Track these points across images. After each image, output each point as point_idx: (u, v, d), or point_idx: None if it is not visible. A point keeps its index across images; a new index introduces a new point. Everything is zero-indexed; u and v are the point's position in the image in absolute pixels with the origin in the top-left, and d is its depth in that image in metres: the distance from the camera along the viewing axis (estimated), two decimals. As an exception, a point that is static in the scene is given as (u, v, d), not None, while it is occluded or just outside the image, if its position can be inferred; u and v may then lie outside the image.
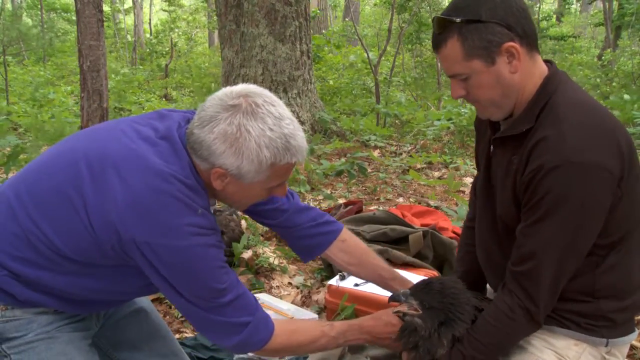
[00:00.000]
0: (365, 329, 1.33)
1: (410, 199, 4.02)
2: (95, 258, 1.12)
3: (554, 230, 1.09)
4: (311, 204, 3.66)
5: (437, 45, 1.17)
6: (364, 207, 3.36)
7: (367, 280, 1.57)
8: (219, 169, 1.09)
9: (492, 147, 1.28)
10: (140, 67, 12.54)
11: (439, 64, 9.21)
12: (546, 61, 1.23)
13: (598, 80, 8.70)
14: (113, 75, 10.09)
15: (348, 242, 1.47)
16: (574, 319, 1.19)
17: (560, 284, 1.15)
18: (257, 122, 1.06)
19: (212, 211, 1.16)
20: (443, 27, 1.14)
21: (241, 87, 1.12)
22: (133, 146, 1.10)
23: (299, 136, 1.11)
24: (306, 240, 1.45)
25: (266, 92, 1.13)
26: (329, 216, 1.48)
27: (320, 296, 2.39)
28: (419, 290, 1.26)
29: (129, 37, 16.48)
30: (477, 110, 1.27)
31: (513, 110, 1.20)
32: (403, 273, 1.71)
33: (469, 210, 1.55)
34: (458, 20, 1.12)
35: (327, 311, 2.19)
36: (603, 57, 10.62)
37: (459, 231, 2.87)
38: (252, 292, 2.41)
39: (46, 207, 1.11)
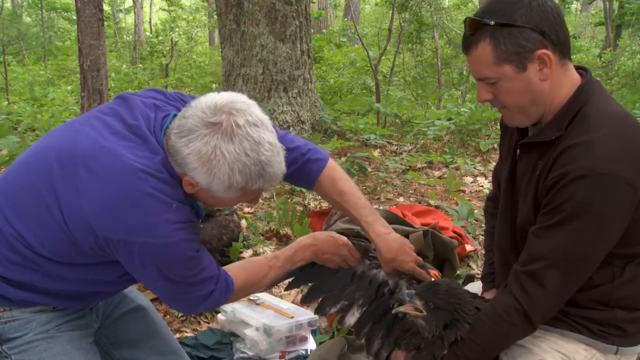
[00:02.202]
0: (308, 247, 1.39)
1: (411, 199, 4.02)
2: (74, 257, 1.13)
3: (568, 237, 1.08)
4: (311, 203, 3.67)
5: (467, 46, 1.15)
6: (364, 206, 3.35)
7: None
8: (189, 179, 1.09)
9: (518, 151, 1.26)
10: (140, 65, 12.53)
11: (439, 64, 9.21)
12: (579, 68, 1.21)
13: (599, 79, 8.69)
14: (113, 75, 10.09)
15: (321, 182, 1.45)
16: (586, 325, 1.19)
17: (567, 292, 1.14)
18: (234, 146, 1.04)
19: (187, 201, 1.16)
20: (475, 29, 1.11)
21: (227, 100, 1.08)
22: (103, 142, 1.09)
23: (276, 162, 1.09)
24: (287, 179, 1.42)
25: (252, 107, 1.10)
26: (313, 151, 1.44)
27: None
28: (425, 290, 1.25)
29: (129, 36, 16.47)
30: (503, 116, 1.25)
31: (541, 118, 1.19)
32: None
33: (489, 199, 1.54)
34: (492, 23, 1.09)
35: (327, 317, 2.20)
36: (603, 57, 10.62)
37: (460, 231, 2.88)
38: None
39: (22, 207, 1.11)
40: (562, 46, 1.12)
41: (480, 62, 1.13)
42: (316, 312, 1.48)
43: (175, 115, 1.15)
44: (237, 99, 1.09)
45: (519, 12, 1.08)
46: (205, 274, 1.18)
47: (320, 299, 1.48)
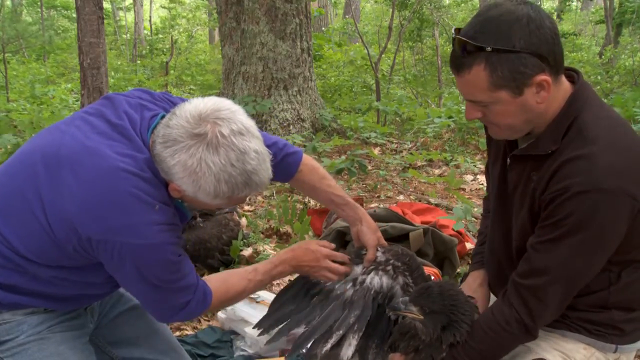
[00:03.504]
0: (287, 261, 1.39)
1: (411, 197, 4.02)
2: (59, 260, 1.12)
3: (569, 252, 1.07)
4: (311, 201, 3.67)
5: (458, 67, 1.08)
6: (364, 204, 3.39)
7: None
8: (175, 186, 1.09)
9: (508, 161, 1.24)
10: (140, 63, 12.51)
11: (439, 62, 9.20)
12: (568, 69, 1.18)
13: (599, 77, 8.67)
14: (113, 73, 10.07)
15: (303, 172, 1.49)
16: (585, 326, 1.19)
17: (565, 303, 1.14)
18: (220, 157, 1.04)
19: (174, 202, 1.17)
20: (468, 52, 1.05)
21: (211, 107, 1.07)
22: (87, 142, 1.09)
23: (263, 170, 1.09)
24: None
25: (237, 115, 1.09)
26: (288, 146, 1.49)
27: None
28: (418, 296, 1.24)
29: (128, 34, 16.45)
30: (490, 131, 1.22)
31: (531, 130, 1.16)
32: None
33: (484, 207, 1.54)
34: (488, 49, 1.03)
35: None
36: (604, 55, 10.59)
37: (460, 229, 2.87)
38: (253, 289, 2.42)
39: (7, 211, 1.11)
40: (558, 66, 1.08)
41: (473, 86, 1.08)
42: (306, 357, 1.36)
43: (164, 116, 1.14)
44: (221, 106, 1.08)
45: (517, 35, 1.02)
46: (185, 282, 1.17)
47: (304, 342, 1.35)
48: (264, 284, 1.38)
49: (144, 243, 1.07)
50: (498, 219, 1.30)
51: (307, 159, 1.51)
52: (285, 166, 1.46)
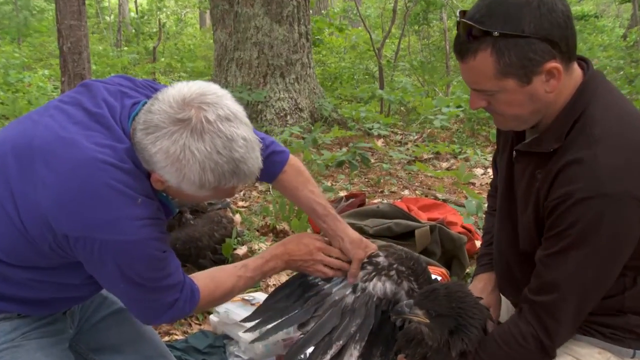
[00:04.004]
0: (278, 256, 1.39)
1: (417, 192, 4.02)
2: (34, 260, 1.11)
3: (578, 264, 1.07)
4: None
5: (462, 53, 1.08)
6: (366, 200, 3.36)
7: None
8: (157, 176, 1.09)
9: (514, 154, 1.24)
10: (125, 48, 12.46)
11: (447, 47, 9.17)
12: (579, 59, 1.16)
13: (622, 62, 8.61)
14: (96, 58, 10.03)
15: (287, 173, 1.49)
16: (599, 329, 1.20)
17: (581, 317, 1.14)
18: (205, 144, 1.02)
19: (158, 195, 1.16)
20: (474, 37, 1.04)
21: (196, 91, 1.06)
22: (62, 133, 1.08)
23: (251, 159, 1.08)
24: None
25: (224, 100, 1.08)
26: (275, 144, 1.50)
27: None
28: (423, 298, 1.24)
29: (111, 17, 16.38)
30: (495, 120, 1.22)
31: (539, 121, 1.16)
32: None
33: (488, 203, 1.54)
34: (495, 33, 1.02)
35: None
36: (628, 37, 10.50)
37: (469, 226, 2.87)
38: (247, 291, 2.42)
39: None
40: (570, 53, 1.07)
41: (478, 74, 1.07)
42: None
43: (145, 103, 1.13)
44: (207, 90, 1.07)
45: (527, 19, 1.01)
46: (171, 281, 1.17)
47: (300, 350, 1.35)
48: (255, 281, 1.38)
49: (126, 239, 1.06)
50: (504, 217, 1.30)
51: (294, 160, 1.51)
52: (270, 165, 1.45)
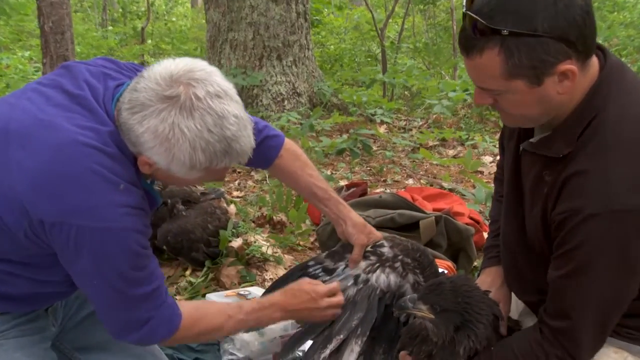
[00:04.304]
0: (277, 304, 1.35)
1: (421, 181, 4.03)
2: (9, 252, 1.11)
3: (592, 286, 1.06)
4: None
5: (468, 49, 1.04)
6: (368, 189, 3.36)
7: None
8: (145, 159, 1.08)
9: (521, 148, 1.22)
10: (111, 29, 12.38)
11: (454, 27, 9.12)
12: (596, 48, 1.11)
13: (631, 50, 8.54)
14: (80, 39, 9.95)
15: (284, 157, 1.50)
16: (616, 329, 1.19)
17: (607, 334, 1.14)
18: (195, 122, 1.02)
19: (142, 184, 1.15)
20: (481, 32, 1.00)
21: (184, 68, 1.06)
22: (41, 115, 1.07)
23: (244, 137, 1.08)
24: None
25: (214, 76, 1.08)
26: (269, 128, 1.49)
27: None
28: (428, 292, 1.23)
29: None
30: (502, 118, 1.19)
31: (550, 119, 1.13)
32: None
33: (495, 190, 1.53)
34: (505, 32, 0.97)
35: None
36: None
37: (477, 216, 2.87)
38: (242, 285, 2.43)
39: None
40: (587, 51, 1.03)
41: (484, 72, 1.04)
42: None
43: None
44: (195, 66, 1.07)
45: (541, 15, 0.96)
46: (149, 289, 1.14)
47: (296, 344, 1.35)
48: (249, 326, 1.34)
49: (104, 227, 1.05)
50: (511, 209, 1.29)
51: (290, 144, 1.51)
52: (264, 150, 1.45)
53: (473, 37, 1.02)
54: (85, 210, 1.04)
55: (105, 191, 1.05)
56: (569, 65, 1.01)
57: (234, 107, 1.06)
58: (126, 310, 1.14)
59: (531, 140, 1.18)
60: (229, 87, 1.09)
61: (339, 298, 1.40)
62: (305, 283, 1.40)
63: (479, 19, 1.00)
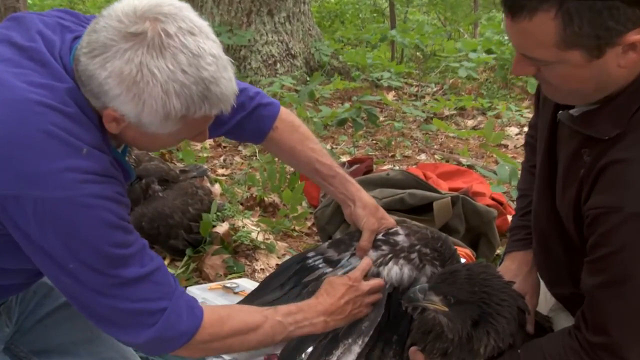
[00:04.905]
0: (318, 310, 1.33)
1: (436, 156, 4.02)
2: None
3: (633, 298, 1.06)
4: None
5: (514, 10, 1.01)
6: (374, 166, 3.37)
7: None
8: (112, 112, 1.06)
9: (557, 119, 1.21)
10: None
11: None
12: None
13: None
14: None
15: (280, 129, 1.49)
16: None
17: None
18: (166, 61, 1.01)
19: (113, 150, 1.14)
20: None
21: (149, 2, 1.05)
22: None
23: (224, 80, 1.07)
24: (234, 133, 1.49)
25: (185, 11, 1.07)
26: (262, 95, 1.48)
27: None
28: (440, 282, 1.23)
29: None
30: (544, 88, 1.18)
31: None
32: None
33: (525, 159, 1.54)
34: None
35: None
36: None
37: (500, 197, 2.88)
38: (229, 277, 2.43)
39: None
40: None
41: (533, 39, 1.03)
42: None
43: None
44: (163, 1, 1.06)
45: None
46: (144, 270, 1.11)
47: (296, 351, 1.35)
48: (287, 333, 1.31)
49: (65, 196, 1.03)
50: (544, 185, 1.29)
51: (286, 113, 1.50)
52: (257, 120, 1.44)
53: None
54: (41, 177, 1.02)
55: (63, 155, 1.03)
56: (638, 36, 0.99)
57: (210, 45, 1.05)
58: (123, 299, 1.11)
59: (571, 112, 1.17)
60: (203, 23, 1.07)
61: (378, 279, 1.40)
62: (330, 278, 1.40)
63: None
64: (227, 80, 1.07)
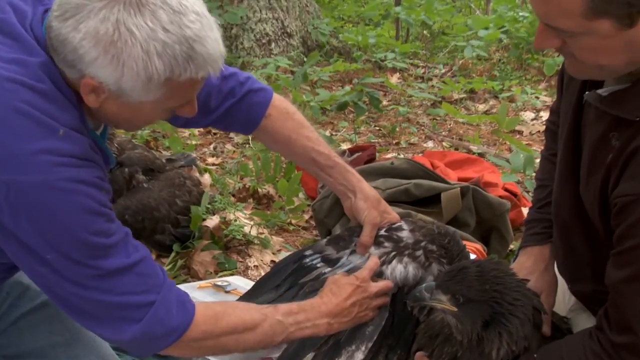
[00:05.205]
0: (321, 310, 1.33)
1: (444, 143, 4.03)
2: None
3: None
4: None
5: None
6: (377, 154, 3.39)
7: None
8: (89, 80, 1.06)
9: (584, 100, 1.22)
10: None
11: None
12: None
13: None
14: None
15: (273, 117, 1.50)
16: None
17: None
18: (145, 19, 1.01)
19: (91, 132, 1.14)
20: None
21: None
22: None
23: (210, 40, 1.07)
24: (223, 121, 1.51)
25: None
26: (253, 80, 1.49)
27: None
28: (448, 279, 1.24)
29: None
30: (568, 65, 1.18)
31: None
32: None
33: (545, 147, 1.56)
34: None
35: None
36: None
37: (514, 188, 2.88)
38: (220, 274, 2.44)
39: None
40: None
41: (558, 8, 1.03)
42: None
43: None
44: None
45: None
46: (128, 261, 1.13)
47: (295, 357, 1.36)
48: (288, 334, 1.31)
49: (42, 180, 1.03)
50: (566, 172, 1.30)
51: (279, 100, 1.50)
52: (248, 108, 1.45)
53: None
54: (13, 160, 1.02)
55: (37, 136, 1.03)
56: None
57: (193, 1, 1.06)
58: (104, 291, 1.11)
59: (599, 91, 1.17)
60: None
61: (387, 281, 1.41)
62: (336, 277, 1.40)
63: None
64: (213, 40, 1.08)
